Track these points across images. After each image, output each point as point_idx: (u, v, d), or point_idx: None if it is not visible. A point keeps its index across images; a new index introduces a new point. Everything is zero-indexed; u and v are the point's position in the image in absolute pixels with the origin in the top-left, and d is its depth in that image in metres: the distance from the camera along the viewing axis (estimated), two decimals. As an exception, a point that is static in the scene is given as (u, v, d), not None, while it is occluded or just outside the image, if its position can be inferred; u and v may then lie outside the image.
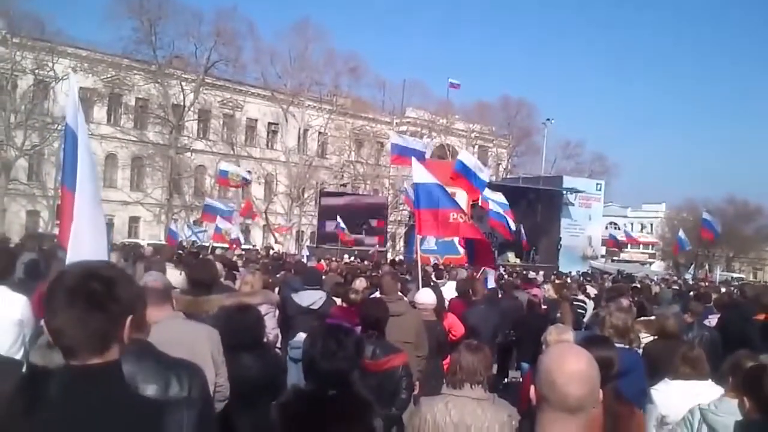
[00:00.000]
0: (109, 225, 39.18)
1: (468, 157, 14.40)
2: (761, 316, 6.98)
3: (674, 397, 4.04)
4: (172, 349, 2.29)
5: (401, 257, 28.93)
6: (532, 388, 1.85)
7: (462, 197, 17.32)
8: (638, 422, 3.34)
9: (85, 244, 4.04)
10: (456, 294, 8.92)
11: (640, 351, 5.32)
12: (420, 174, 8.39)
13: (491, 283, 10.48)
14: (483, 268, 10.82)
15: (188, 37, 44.04)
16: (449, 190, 9.18)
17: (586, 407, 1.78)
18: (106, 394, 1.64)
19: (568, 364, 1.78)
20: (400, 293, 6.85)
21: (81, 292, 1.62)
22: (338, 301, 6.91)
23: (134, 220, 44.92)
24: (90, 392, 1.62)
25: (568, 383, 1.74)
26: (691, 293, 12.91)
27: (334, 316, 6.09)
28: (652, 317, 6.80)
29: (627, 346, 4.64)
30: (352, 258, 23.14)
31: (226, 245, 20.20)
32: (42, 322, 3.79)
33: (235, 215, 21.44)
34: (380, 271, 12.39)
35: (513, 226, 17.37)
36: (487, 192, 16.21)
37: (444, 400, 3.22)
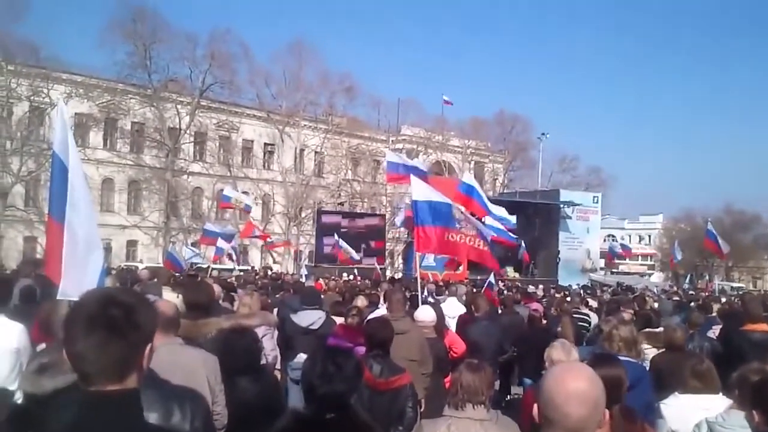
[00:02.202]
0: (107, 249, 39.16)
1: (471, 179, 14.29)
2: (748, 326, 6.79)
3: (684, 411, 3.96)
4: (168, 376, 2.24)
5: (400, 274, 28.81)
6: (535, 407, 1.82)
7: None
8: None
9: (79, 274, 4.02)
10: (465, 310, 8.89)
11: (645, 363, 5.27)
12: (419, 191, 8.31)
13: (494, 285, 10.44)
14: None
15: (183, 60, 44.37)
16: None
17: (588, 428, 1.74)
18: (122, 422, 1.59)
19: (568, 383, 1.75)
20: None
21: (100, 318, 1.59)
22: (338, 320, 6.83)
23: (132, 244, 44.83)
24: (106, 419, 1.58)
25: (567, 403, 1.72)
26: (692, 304, 12.82)
27: (337, 335, 6.02)
28: (657, 329, 6.73)
29: (634, 359, 4.58)
30: (352, 276, 22.99)
31: (227, 266, 20.11)
32: (38, 348, 3.74)
33: (236, 237, 21.38)
34: (379, 289, 12.31)
35: (512, 225, 17.07)
36: (490, 206, 16.09)
37: (446, 422, 3.15)
